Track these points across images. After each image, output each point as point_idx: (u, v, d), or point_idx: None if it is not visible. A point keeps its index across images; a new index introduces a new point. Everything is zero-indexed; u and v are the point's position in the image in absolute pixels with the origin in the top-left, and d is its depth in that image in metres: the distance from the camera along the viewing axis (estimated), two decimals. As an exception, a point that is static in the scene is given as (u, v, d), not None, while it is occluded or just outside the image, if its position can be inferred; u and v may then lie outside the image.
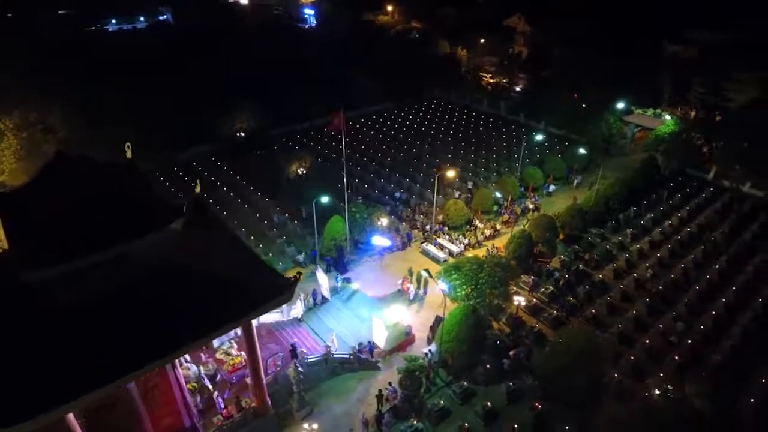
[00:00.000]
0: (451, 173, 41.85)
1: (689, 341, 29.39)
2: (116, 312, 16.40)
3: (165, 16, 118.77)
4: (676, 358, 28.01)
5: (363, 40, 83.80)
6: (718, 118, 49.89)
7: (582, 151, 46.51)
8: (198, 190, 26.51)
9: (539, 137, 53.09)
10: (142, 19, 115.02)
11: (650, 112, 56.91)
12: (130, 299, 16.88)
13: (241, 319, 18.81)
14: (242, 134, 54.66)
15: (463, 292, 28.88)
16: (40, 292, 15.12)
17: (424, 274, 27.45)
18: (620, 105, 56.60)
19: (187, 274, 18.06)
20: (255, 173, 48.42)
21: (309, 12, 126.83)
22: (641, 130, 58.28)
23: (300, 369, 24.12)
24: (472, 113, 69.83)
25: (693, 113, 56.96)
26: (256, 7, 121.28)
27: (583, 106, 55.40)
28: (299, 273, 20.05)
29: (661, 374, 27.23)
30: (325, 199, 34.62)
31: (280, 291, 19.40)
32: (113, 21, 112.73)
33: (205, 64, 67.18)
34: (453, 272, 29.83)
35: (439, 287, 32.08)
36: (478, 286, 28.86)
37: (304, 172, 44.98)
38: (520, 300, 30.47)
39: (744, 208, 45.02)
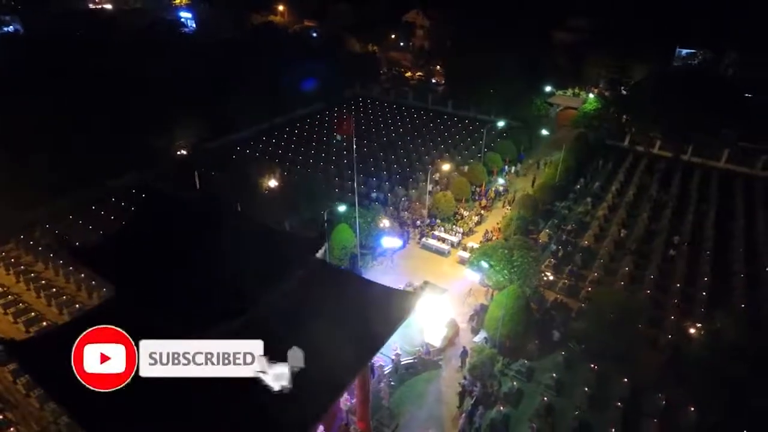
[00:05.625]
0: (445, 167, 42.71)
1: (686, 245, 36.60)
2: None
3: (10, 27, 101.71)
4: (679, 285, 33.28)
5: (263, 41, 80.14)
6: (623, 93, 57.35)
7: (545, 132, 50.53)
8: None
9: (501, 123, 55.80)
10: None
11: (569, 92, 63.49)
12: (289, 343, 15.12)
13: (384, 341, 17.80)
14: (183, 152, 49.67)
15: (503, 277, 30.06)
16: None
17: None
18: (548, 88, 62.19)
19: (326, 307, 16.67)
20: (216, 192, 44.25)
21: (185, 15, 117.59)
22: (563, 110, 64.89)
23: (392, 383, 23.42)
24: (402, 108, 71.04)
25: (598, 91, 64.84)
26: (126, 13, 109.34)
27: (511, 93, 59.69)
28: (425, 282, 19.47)
29: (672, 317, 31.37)
30: (342, 208, 33.31)
31: (409, 306, 18.73)
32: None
33: (100, 78, 58.80)
34: (486, 259, 30.81)
35: (469, 277, 33.24)
36: (514, 268, 30.29)
37: (276, 183, 42.43)
38: (548, 275, 32.60)
39: (661, 167, 52.90)
